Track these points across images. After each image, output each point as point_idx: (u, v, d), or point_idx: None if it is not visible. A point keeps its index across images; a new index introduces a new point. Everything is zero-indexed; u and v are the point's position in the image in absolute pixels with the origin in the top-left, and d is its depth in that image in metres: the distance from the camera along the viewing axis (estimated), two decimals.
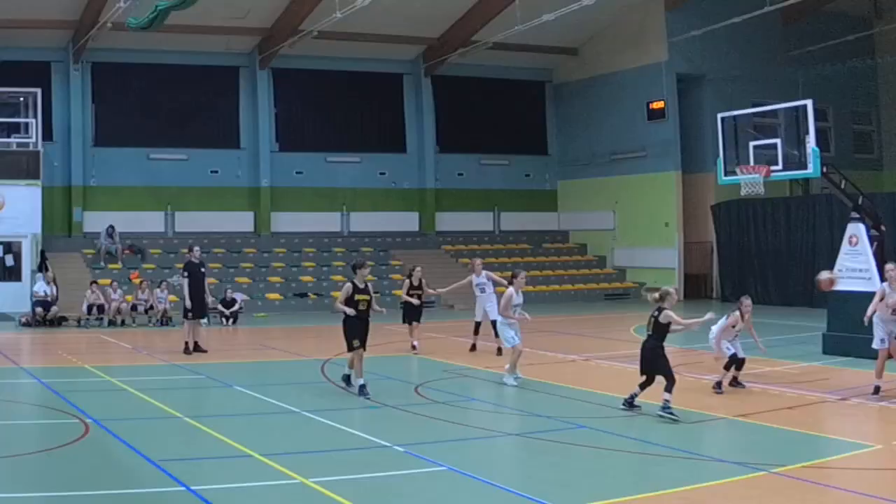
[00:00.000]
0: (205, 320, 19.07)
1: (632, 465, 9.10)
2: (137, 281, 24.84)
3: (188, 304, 17.34)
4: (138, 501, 7.68)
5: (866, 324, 12.78)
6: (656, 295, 11.19)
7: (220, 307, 23.77)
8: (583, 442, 9.88)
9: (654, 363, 11.10)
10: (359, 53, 31.43)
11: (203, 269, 18.16)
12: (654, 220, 31.07)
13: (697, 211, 30.82)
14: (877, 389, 12.36)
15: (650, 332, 11.16)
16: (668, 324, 11.04)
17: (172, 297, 23.32)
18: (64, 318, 23.09)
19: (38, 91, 27.35)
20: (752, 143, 16.37)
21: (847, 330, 15.99)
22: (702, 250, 31.08)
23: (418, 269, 17.76)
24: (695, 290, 30.65)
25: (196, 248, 18.28)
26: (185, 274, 17.71)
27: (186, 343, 17.41)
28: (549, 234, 35.10)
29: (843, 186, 16.44)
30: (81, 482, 8.10)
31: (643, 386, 11.26)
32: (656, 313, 11.06)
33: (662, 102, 30.69)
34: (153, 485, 8.08)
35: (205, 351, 17.45)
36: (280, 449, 9.44)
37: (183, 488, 7.85)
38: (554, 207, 35.32)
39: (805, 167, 15.73)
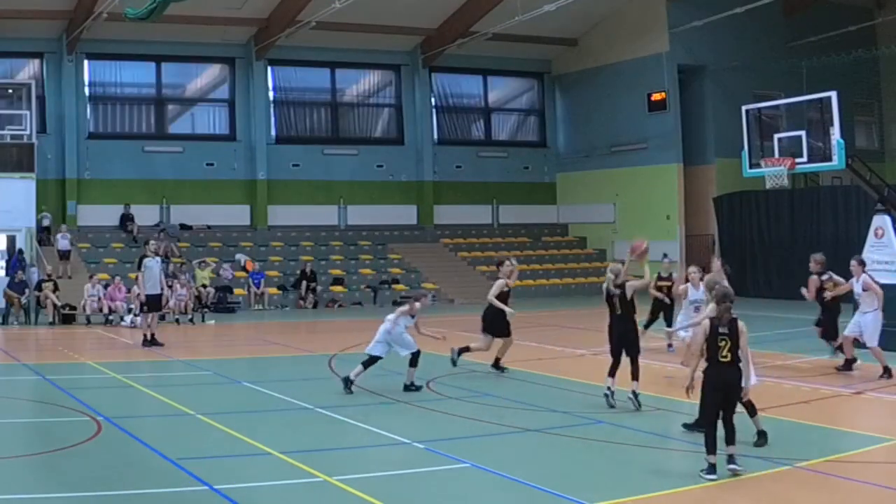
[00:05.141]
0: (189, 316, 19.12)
1: (653, 460, 8.94)
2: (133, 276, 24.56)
3: (143, 297, 17.60)
4: (163, 501, 7.49)
5: None
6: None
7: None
8: (603, 437, 9.77)
9: None
10: (356, 44, 31.18)
11: (165, 263, 18.33)
12: (656, 213, 30.90)
13: (699, 203, 30.70)
14: None
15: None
16: None
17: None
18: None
19: (32, 83, 27.08)
20: (776, 136, 16.21)
21: None
22: (703, 243, 30.93)
23: (667, 258, 15.31)
24: None
25: (151, 242, 18.54)
26: (143, 268, 17.68)
27: (145, 335, 17.60)
28: (549, 227, 34.92)
29: (868, 178, 16.28)
30: (102, 482, 7.88)
31: None
32: None
33: (663, 94, 30.56)
34: (175, 484, 7.89)
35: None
36: (297, 446, 9.28)
37: (206, 487, 7.68)
38: (553, 200, 35.15)
39: (829, 159, 15.54)
